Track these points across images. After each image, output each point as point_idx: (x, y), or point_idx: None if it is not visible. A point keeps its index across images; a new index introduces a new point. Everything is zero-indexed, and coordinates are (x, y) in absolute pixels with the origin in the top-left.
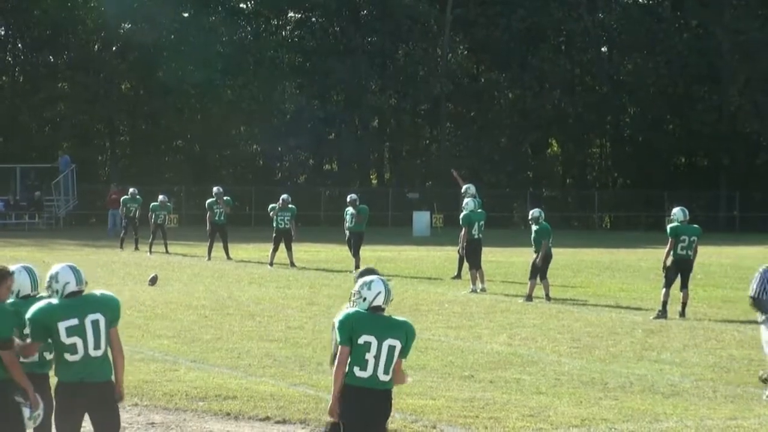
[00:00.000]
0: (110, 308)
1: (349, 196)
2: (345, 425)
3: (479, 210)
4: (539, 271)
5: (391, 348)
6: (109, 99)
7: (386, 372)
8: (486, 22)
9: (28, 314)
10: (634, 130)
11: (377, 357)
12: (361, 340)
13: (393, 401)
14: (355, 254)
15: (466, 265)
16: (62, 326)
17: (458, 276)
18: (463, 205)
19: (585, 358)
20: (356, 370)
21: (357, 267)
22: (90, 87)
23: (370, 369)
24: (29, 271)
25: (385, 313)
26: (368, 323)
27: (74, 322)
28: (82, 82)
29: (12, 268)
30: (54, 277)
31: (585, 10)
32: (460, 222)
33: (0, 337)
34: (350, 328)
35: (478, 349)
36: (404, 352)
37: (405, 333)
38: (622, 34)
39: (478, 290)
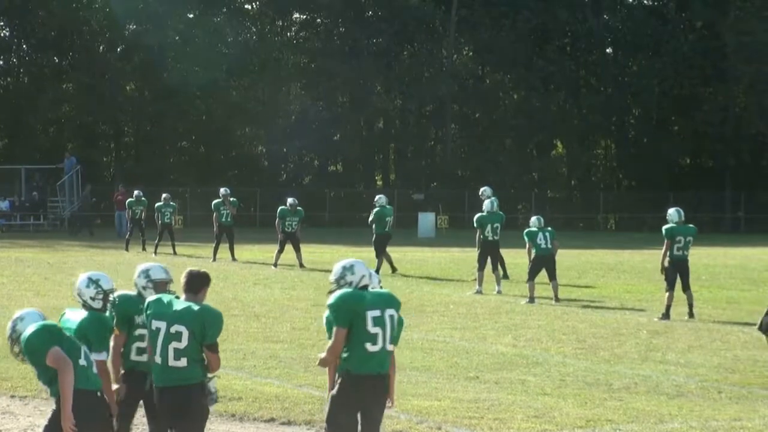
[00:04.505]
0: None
1: (379, 197)
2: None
3: (497, 212)
4: (536, 273)
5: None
6: (114, 100)
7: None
8: (491, 23)
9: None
10: (639, 131)
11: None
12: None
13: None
14: (382, 253)
15: (495, 264)
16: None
17: (505, 276)
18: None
19: (590, 359)
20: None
21: (392, 268)
22: (95, 88)
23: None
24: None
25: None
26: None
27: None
28: (87, 84)
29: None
30: None
31: (590, 12)
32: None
33: (213, 342)
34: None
35: (483, 350)
36: (392, 340)
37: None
38: (627, 35)
39: (495, 292)
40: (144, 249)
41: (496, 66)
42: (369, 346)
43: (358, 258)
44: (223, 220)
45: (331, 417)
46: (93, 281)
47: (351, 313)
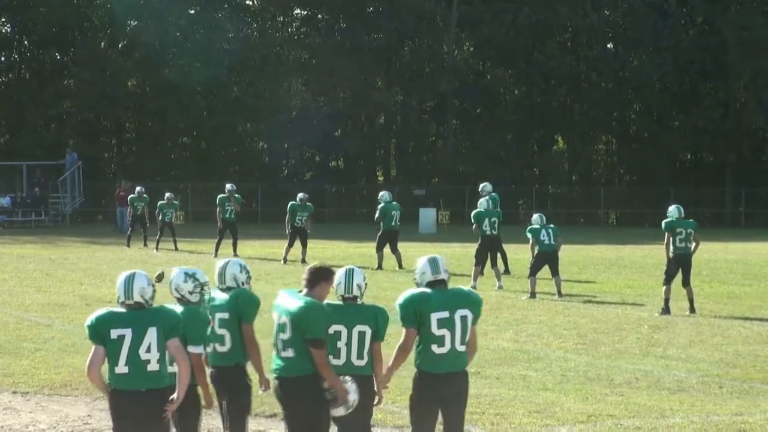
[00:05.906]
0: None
1: (382, 194)
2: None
3: (494, 208)
4: (537, 269)
5: (361, 334)
6: (116, 96)
7: (360, 357)
8: (491, 19)
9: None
10: (640, 126)
11: (348, 344)
12: (331, 330)
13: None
14: (394, 251)
15: (493, 262)
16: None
17: (506, 271)
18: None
19: (591, 354)
20: (331, 358)
21: (400, 265)
22: (96, 84)
23: (344, 356)
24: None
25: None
26: (338, 313)
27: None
28: (88, 80)
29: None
30: None
31: (590, 7)
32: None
33: (315, 337)
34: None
35: (485, 346)
36: (378, 336)
37: (375, 318)
38: (628, 30)
39: (496, 287)
40: (145, 245)
41: (497, 61)
42: (435, 348)
43: (359, 253)
44: (227, 216)
45: (412, 414)
46: (190, 275)
47: (415, 314)
